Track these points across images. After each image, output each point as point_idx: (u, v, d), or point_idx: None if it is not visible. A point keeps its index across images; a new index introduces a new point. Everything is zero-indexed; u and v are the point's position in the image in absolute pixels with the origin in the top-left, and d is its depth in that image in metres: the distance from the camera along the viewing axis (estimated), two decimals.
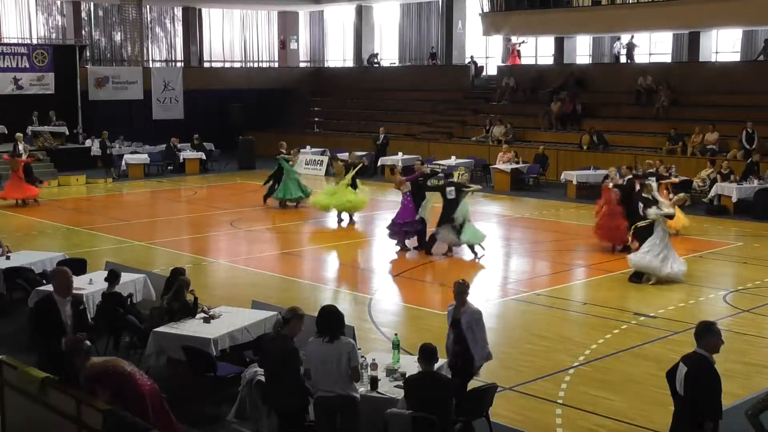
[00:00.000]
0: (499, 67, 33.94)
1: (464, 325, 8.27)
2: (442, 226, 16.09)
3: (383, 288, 14.43)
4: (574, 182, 23.71)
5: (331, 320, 7.25)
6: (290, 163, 21.90)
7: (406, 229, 16.68)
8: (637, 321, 12.09)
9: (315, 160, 29.56)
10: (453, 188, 16.12)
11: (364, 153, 26.90)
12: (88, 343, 7.12)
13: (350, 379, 7.19)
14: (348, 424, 7.26)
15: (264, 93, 36.48)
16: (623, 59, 32.10)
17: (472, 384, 8.66)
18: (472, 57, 34.87)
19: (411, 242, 16.95)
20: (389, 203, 23.68)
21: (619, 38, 31.89)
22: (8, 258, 13.10)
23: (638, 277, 14.10)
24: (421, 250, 16.63)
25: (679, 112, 26.77)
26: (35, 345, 7.98)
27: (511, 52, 33.78)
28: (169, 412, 7.29)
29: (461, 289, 8.51)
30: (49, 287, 11.41)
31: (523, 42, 33.74)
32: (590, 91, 29.67)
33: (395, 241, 16.93)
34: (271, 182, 22.57)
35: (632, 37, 31.55)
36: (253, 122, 34.63)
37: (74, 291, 8.75)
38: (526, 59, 34.81)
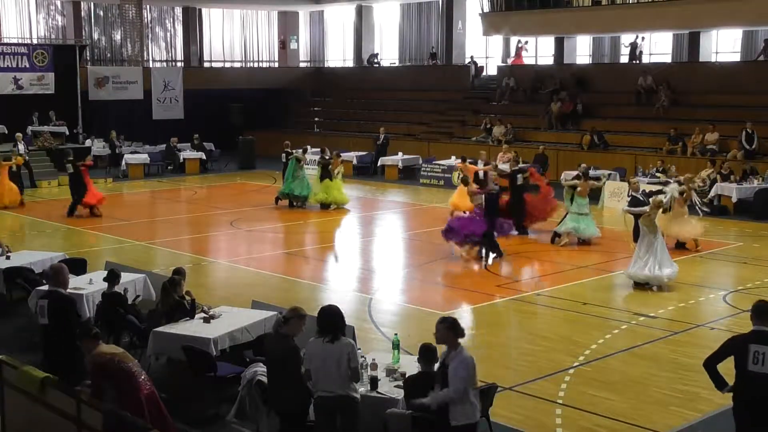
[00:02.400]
0: (499, 67, 33.94)
1: (450, 372, 6.88)
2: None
3: (383, 288, 14.43)
4: None
5: (331, 320, 7.24)
6: (300, 162, 22.35)
7: (470, 239, 15.94)
8: (637, 321, 12.09)
9: (315, 160, 29.52)
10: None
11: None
12: (96, 329, 7.19)
13: (350, 379, 7.19)
14: (348, 425, 7.26)
15: (264, 93, 36.48)
16: (625, 59, 32.09)
17: None
18: (472, 57, 34.88)
19: (457, 249, 16.38)
20: (389, 203, 23.74)
21: (643, 38, 31.61)
22: (8, 258, 13.10)
23: (643, 285, 13.91)
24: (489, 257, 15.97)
25: (679, 112, 26.77)
26: (51, 344, 8.09)
27: (517, 52, 33.76)
28: (167, 416, 7.28)
29: (438, 327, 7.01)
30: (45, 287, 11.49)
31: (527, 42, 33.77)
32: (590, 91, 29.66)
33: (452, 241, 16.28)
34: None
35: (637, 37, 31.49)
36: (253, 122, 34.62)
37: (73, 291, 8.82)
38: (527, 59, 34.82)
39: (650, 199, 14.19)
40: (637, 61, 30.98)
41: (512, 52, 34.38)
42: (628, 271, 13.97)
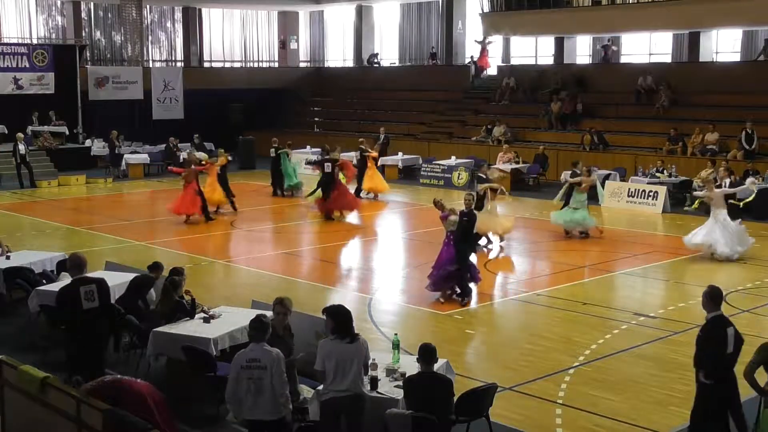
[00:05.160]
0: (499, 67, 33.94)
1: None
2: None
3: (383, 288, 14.43)
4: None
5: (347, 320, 7.26)
6: (289, 156, 24.50)
7: (446, 275, 13.05)
8: (637, 321, 12.09)
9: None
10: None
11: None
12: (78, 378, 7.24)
13: (362, 376, 7.27)
14: (356, 423, 7.26)
15: (264, 93, 36.47)
16: (625, 59, 32.06)
17: (472, 384, 8.66)
18: (472, 57, 34.84)
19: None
20: (389, 203, 23.72)
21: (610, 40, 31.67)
22: (8, 258, 13.10)
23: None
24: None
25: (679, 112, 26.76)
26: (95, 328, 8.42)
27: (481, 52, 33.69)
28: (169, 412, 7.30)
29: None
30: (49, 287, 11.50)
31: (489, 42, 33.60)
32: (590, 91, 29.66)
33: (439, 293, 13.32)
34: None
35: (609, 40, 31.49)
36: (253, 122, 34.62)
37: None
38: (527, 59, 34.83)
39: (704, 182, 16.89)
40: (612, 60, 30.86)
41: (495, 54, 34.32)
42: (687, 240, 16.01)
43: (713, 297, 7.25)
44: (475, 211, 13.65)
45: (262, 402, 6.96)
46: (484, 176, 18.20)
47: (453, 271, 12.92)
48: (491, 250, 17.02)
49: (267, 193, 24.60)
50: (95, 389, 6.97)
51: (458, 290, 13.10)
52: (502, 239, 17.32)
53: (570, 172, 19.20)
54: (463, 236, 12.98)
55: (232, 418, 8.27)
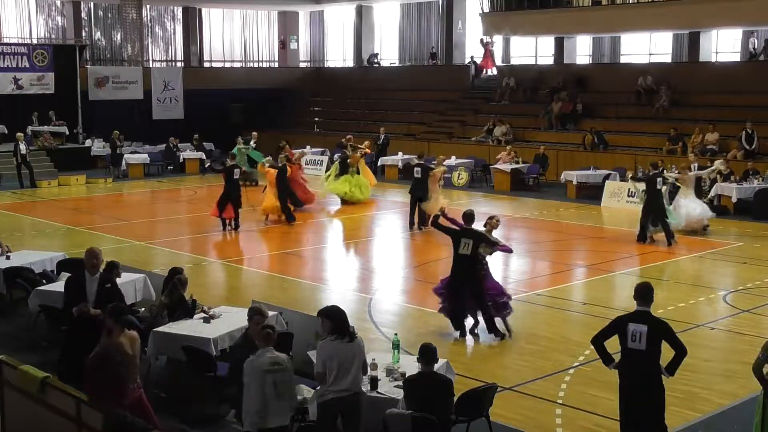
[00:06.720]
0: (499, 67, 33.94)
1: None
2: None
3: (383, 288, 14.43)
4: (574, 182, 23.73)
5: (345, 320, 7.27)
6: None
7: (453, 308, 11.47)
8: None
9: (315, 160, 29.60)
10: (661, 179, 17.52)
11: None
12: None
13: (361, 374, 7.31)
14: (355, 422, 7.26)
15: (264, 93, 36.46)
16: (624, 59, 32.00)
17: (472, 384, 8.66)
18: (472, 57, 34.85)
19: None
20: (388, 203, 23.74)
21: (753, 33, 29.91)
22: (8, 258, 13.10)
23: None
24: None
25: (679, 112, 26.76)
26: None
27: (484, 54, 33.67)
28: (155, 424, 7.28)
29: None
30: (49, 287, 11.53)
31: (492, 42, 33.60)
32: (590, 91, 29.66)
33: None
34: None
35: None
36: (253, 122, 34.57)
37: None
38: (527, 59, 34.83)
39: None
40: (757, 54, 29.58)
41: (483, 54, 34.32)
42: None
43: (638, 293, 7.57)
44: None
45: (283, 406, 6.94)
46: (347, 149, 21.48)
47: (460, 299, 11.39)
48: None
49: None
50: (107, 358, 6.98)
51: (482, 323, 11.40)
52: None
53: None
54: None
55: (232, 418, 8.28)
